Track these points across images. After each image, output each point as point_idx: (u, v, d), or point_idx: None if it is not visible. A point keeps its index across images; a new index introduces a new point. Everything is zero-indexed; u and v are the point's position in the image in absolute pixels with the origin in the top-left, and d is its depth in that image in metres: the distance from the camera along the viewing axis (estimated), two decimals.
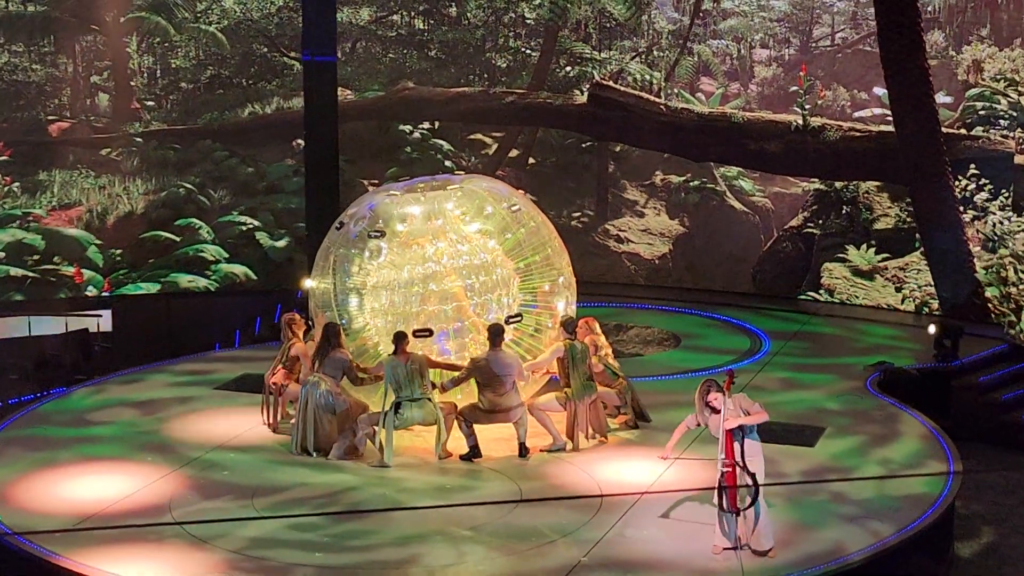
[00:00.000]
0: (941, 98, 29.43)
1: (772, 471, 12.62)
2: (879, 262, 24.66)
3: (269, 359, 17.77)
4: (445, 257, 15.30)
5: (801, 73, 28.56)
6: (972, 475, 15.55)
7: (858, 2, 34.60)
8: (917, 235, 23.88)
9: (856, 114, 30.13)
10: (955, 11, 32.26)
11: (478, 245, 15.49)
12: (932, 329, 18.92)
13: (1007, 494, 15.87)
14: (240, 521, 12.65)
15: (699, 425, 12.24)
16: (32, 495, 13.54)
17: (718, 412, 11.81)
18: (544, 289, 15.61)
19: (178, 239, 26.78)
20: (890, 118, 30.20)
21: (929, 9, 33.83)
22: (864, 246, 25.24)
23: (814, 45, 34.51)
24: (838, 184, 27.60)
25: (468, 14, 31.49)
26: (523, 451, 14.63)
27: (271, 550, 12.07)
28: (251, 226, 27.36)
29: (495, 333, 14.52)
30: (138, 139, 28.71)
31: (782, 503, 12.85)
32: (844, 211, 26.84)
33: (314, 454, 14.64)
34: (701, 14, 31.92)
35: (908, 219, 25.77)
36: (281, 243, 27.20)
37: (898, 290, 23.61)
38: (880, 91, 30.62)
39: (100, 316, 19.79)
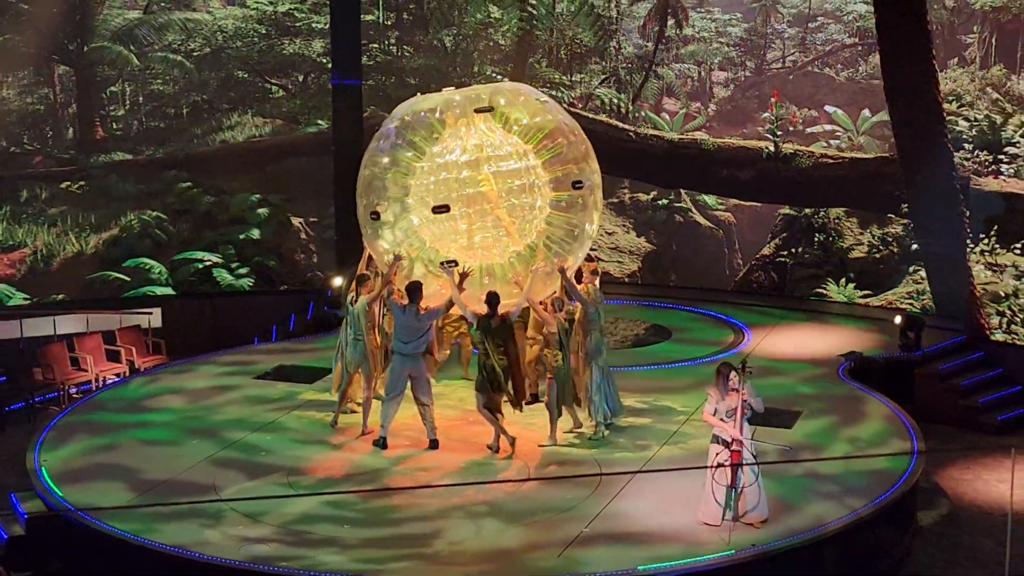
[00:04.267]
0: (886, 115, 29.19)
1: (766, 450, 12.65)
2: (860, 298, 23.42)
3: (303, 351, 17.88)
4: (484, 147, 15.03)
5: (773, 99, 27.30)
6: (934, 453, 15.56)
7: (806, 28, 34.56)
8: (921, 270, 22.23)
9: (808, 130, 29.59)
10: None
11: (502, 137, 15.08)
12: (898, 320, 18.91)
13: (964, 470, 15.90)
14: (281, 499, 12.71)
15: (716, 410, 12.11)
16: (91, 474, 13.64)
17: (734, 392, 11.77)
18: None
19: (128, 279, 24.34)
20: (839, 133, 29.82)
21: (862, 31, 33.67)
22: (843, 280, 23.85)
23: (768, 67, 34.44)
24: (807, 209, 26.29)
25: (435, 41, 30.49)
26: (433, 445, 14.40)
27: (309, 524, 12.19)
28: (209, 263, 24.80)
29: (412, 290, 14.28)
30: (98, 171, 26.31)
31: (764, 479, 12.86)
32: (817, 239, 25.56)
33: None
34: (664, 40, 31.62)
35: (882, 248, 24.75)
36: (241, 282, 24.74)
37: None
38: (831, 108, 30.37)
39: (151, 313, 19.78)
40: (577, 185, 14.81)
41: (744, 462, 11.79)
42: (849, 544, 12.28)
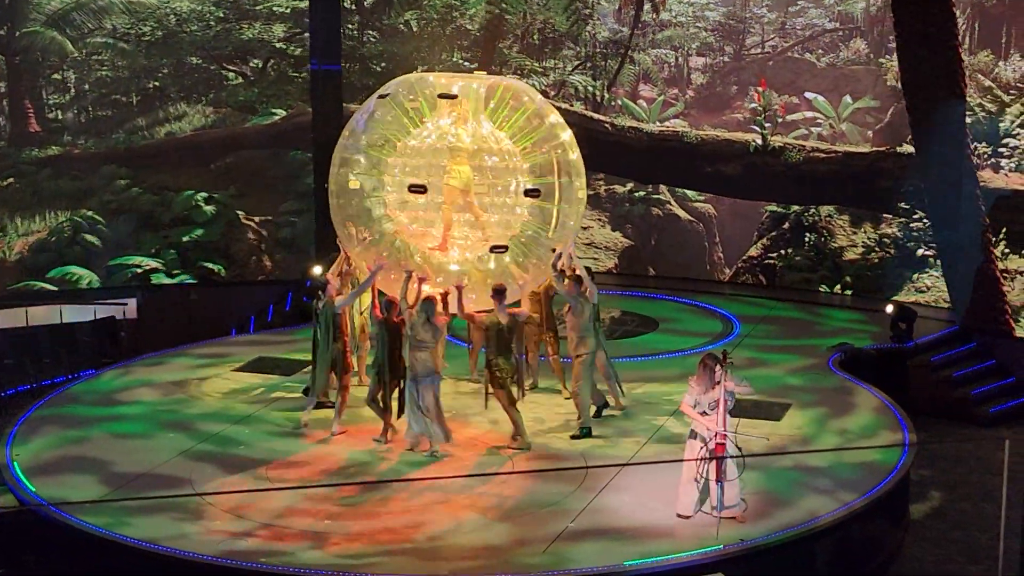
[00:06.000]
0: (867, 102, 29.06)
1: (743, 443, 12.63)
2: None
3: (282, 343, 17.82)
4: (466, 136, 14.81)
5: (760, 89, 26.06)
6: (926, 446, 15.57)
7: (786, 12, 34.39)
8: (925, 277, 21.81)
9: (788, 117, 29.05)
10: (875, 21, 32.06)
11: (489, 131, 14.96)
12: (889, 308, 18.92)
13: (957, 463, 15.94)
14: (258, 492, 12.63)
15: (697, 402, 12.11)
16: (64, 468, 13.53)
17: (718, 383, 11.78)
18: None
19: (55, 289, 22.79)
20: (820, 120, 29.44)
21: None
22: (838, 286, 22.98)
23: (746, 53, 34.20)
24: (795, 207, 25.15)
25: (401, 25, 29.67)
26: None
27: (287, 519, 12.12)
28: (147, 268, 23.41)
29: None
30: (30, 167, 24.56)
31: (753, 473, 12.86)
32: (808, 239, 24.48)
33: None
34: (640, 24, 31.23)
35: (878, 249, 24.33)
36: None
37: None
38: (811, 95, 30.13)
39: (126, 304, 19.67)
40: (532, 193, 14.71)
41: (728, 455, 11.79)
42: (840, 538, 12.24)
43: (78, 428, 14.82)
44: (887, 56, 29.38)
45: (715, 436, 11.74)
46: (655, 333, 19.52)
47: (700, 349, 17.53)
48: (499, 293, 14.06)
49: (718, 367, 11.85)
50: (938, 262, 21.85)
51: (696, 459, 11.87)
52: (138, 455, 13.86)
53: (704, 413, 11.90)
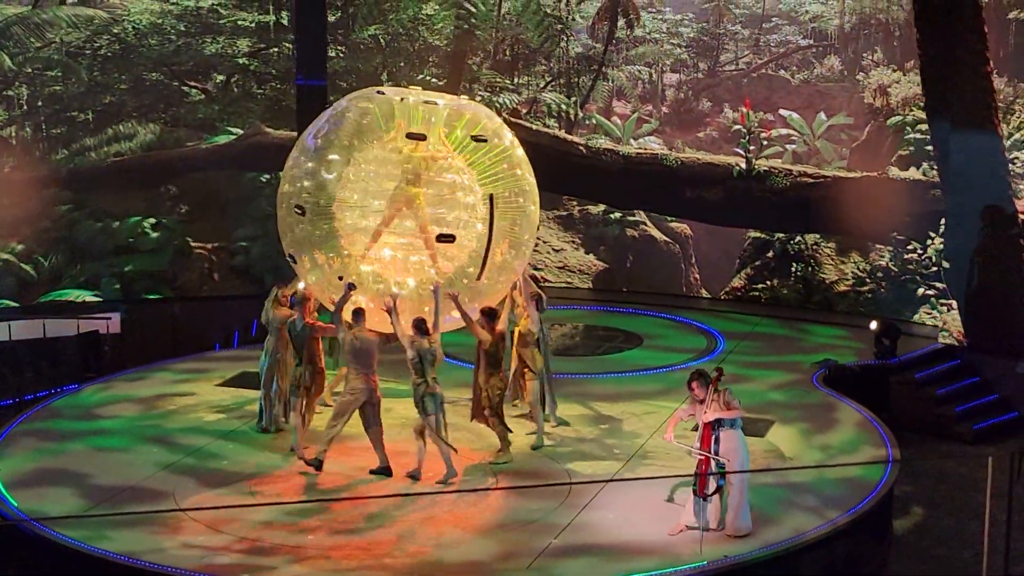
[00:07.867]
0: (842, 119, 29.04)
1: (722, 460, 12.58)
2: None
3: None
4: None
5: (744, 109, 24.79)
6: (909, 462, 15.55)
7: (760, 29, 34.32)
8: (927, 317, 21.07)
9: (763, 135, 28.63)
10: (849, 38, 32.16)
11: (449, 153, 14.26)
12: (873, 325, 18.90)
13: (941, 480, 15.90)
14: (240, 508, 12.54)
15: (691, 416, 12.12)
16: (46, 483, 13.40)
17: (702, 402, 11.78)
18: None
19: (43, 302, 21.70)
20: (795, 138, 29.12)
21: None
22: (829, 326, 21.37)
23: (720, 70, 34.09)
24: (779, 233, 24.01)
25: (368, 39, 28.83)
26: None
27: (268, 533, 12.03)
28: (83, 302, 21.87)
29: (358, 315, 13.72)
30: None
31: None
32: (794, 270, 23.29)
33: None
34: (614, 41, 30.97)
35: (869, 280, 23.10)
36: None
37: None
38: (786, 112, 29.99)
39: (109, 318, 19.55)
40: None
41: (710, 472, 11.79)
42: (823, 555, 12.21)
43: (59, 442, 14.71)
44: (862, 73, 29.45)
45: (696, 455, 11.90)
46: (640, 349, 19.48)
47: (685, 365, 17.52)
48: (487, 314, 13.82)
49: (695, 385, 11.89)
50: (940, 302, 21.64)
51: (682, 475, 11.94)
52: (119, 469, 13.77)
53: (696, 429, 11.97)
